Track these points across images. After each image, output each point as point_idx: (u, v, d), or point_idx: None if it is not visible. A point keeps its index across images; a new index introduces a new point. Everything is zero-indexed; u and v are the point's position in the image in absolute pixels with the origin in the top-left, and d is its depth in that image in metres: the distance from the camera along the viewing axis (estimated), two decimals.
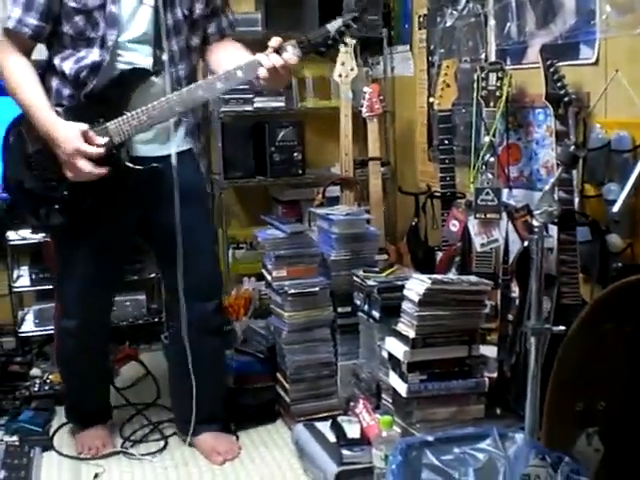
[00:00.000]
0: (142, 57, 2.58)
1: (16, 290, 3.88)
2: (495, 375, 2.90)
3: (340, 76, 3.81)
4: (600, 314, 2.19)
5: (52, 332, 3.68)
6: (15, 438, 2.99)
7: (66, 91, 2.59)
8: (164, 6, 2.56)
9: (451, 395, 2.64)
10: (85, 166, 2.44)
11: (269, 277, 3.21)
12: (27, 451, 2.83)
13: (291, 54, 2.44)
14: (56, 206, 2.58)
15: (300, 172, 4.25)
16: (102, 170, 2.47)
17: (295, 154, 4.21)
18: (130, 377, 3.57)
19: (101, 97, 2.54)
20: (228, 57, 2.66)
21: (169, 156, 2.66)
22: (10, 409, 3.19)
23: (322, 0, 4.19)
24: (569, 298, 2.72)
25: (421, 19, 4.10)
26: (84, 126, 2.46)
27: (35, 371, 3.54)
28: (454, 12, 3.73)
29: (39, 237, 3.68)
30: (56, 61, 2.57)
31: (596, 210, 2.80)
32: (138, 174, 2.59)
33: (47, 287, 3.75)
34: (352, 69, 3.80)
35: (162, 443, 2.99)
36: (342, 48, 3.77)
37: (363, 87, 3.96)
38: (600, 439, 2.19)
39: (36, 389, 3.33)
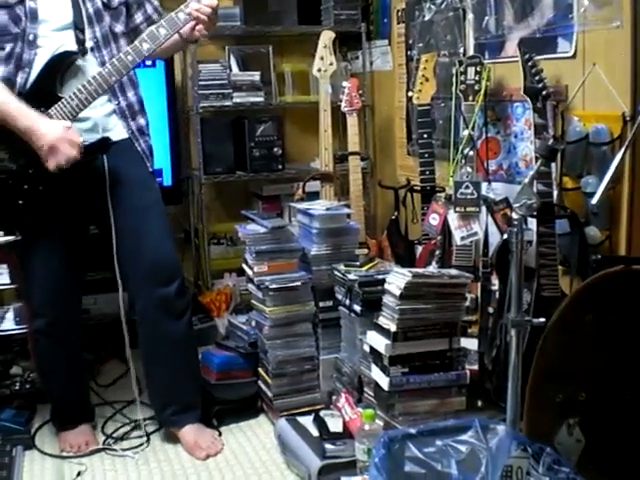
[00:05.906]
0: (66, 43, 2.62)
1: None
2: (476, 367, 2.91)
3: (319, 71, 3.81)
4: (580, 306, 2.21)
5: None
6: None
7: None
8: None
9: (432, 388, 2.65)
10: (70, 150, 2.52)
11: (250, 272, 3.20)
12: (9, 450, 2.82)
13: None
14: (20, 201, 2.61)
15: (280, 167, 4.25)
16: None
17: (275, 149, 4.21)
18: (113, 375, 3.55)
19: (36, 90, 2.59)
20: None
21: (108, 141, 2.69)
22: None
23: None
24: (549, 290, 2.74)
25: (400, 13, 4.11)
26: (67, 122, 2.54)
27: (16, 369, 3.50)
28: (432, 6, 3.74)
29: None
30: None
31: (575, 202, 2.82)
32: (89, 152, 2.63)
33: None
34: (331, 64, 3.80)
35: (144, 440, 2.98)
36: (320, 43, 3.78)
37: (342, 82, 3.96)
38: (581, 430, 2.21)
39: (17, 387, 3.30)
